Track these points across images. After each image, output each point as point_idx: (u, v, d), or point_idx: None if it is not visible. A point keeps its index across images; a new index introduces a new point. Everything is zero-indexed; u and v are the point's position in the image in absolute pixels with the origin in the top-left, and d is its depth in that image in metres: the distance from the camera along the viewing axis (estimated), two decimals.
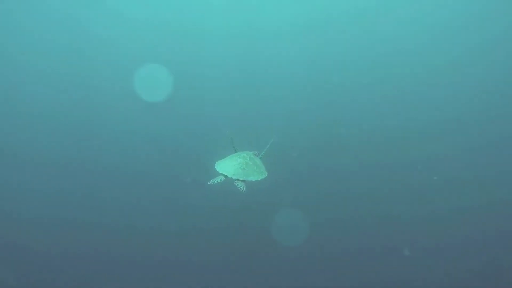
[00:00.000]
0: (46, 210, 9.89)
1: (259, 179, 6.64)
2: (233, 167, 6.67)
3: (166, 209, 10.20)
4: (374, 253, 9.53)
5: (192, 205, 9.81)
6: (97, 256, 9.12)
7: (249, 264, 9.24)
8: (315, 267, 9.35)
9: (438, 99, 12.39)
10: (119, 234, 9.66)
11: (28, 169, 10.42)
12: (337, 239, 9.64)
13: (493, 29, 11.83)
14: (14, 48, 10.47)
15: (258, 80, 13.79)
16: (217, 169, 6.66)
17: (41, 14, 10.50)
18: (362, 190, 10.75)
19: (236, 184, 6.46)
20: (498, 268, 9.10)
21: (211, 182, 6.40)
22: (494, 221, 9.79)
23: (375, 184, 10.84)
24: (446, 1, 12.16)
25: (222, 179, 6.48)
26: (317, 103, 12.88)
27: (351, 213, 10.17)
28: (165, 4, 12.31)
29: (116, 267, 8.99)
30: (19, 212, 9.78)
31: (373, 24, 12.43)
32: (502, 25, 11.68)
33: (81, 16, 11.18)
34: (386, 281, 9.18)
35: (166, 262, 9.45)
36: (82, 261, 8.98)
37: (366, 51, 12.76)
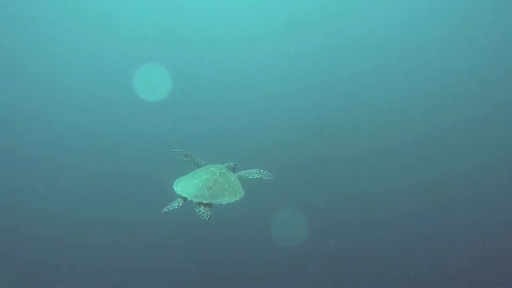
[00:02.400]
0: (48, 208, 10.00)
1: (231, 202, 5.06)
2: (195, 186, 5.11)
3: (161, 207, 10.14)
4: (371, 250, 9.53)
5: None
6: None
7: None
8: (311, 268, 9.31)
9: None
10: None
11: (26, 168, 10.50)
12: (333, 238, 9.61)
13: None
14: (13, 50, 10.55)
15: (258, 80, 13.75)
16: (175, 190, 5.15)
17: (38, 16, 10.55)
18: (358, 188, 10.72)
19: (197, 209, 4.84)
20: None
21: (165, 209, 4.85)
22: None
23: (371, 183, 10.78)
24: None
25: (181, 204, 4.96)
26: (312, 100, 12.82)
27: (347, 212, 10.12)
28: (165, 5, 12.30)
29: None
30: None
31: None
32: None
33: (78, 18, 11.22)
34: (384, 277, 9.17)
35: (163, 264, 9.46)
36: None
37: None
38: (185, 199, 5.02)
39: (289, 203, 9.68)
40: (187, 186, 5.14)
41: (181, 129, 12.92)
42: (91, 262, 9.11)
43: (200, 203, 4.91)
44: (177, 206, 4.90)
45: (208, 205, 4.96)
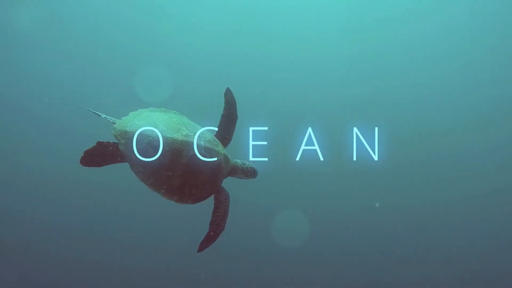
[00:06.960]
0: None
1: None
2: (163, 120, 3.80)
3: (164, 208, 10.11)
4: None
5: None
6: None
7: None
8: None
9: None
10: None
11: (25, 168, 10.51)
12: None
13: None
14: (13, 48, 10.63)
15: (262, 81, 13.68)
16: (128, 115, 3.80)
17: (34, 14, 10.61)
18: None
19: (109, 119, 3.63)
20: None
21: (93, 110, 3.71)
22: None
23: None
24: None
25: (111, 120, 3.67)
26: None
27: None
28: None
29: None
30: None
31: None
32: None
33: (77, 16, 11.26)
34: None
35: (160, 264, 9.45)
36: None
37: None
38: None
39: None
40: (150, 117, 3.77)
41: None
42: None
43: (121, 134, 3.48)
44: (108, 118, 3.66)
45: (126, 141, 3.45)
